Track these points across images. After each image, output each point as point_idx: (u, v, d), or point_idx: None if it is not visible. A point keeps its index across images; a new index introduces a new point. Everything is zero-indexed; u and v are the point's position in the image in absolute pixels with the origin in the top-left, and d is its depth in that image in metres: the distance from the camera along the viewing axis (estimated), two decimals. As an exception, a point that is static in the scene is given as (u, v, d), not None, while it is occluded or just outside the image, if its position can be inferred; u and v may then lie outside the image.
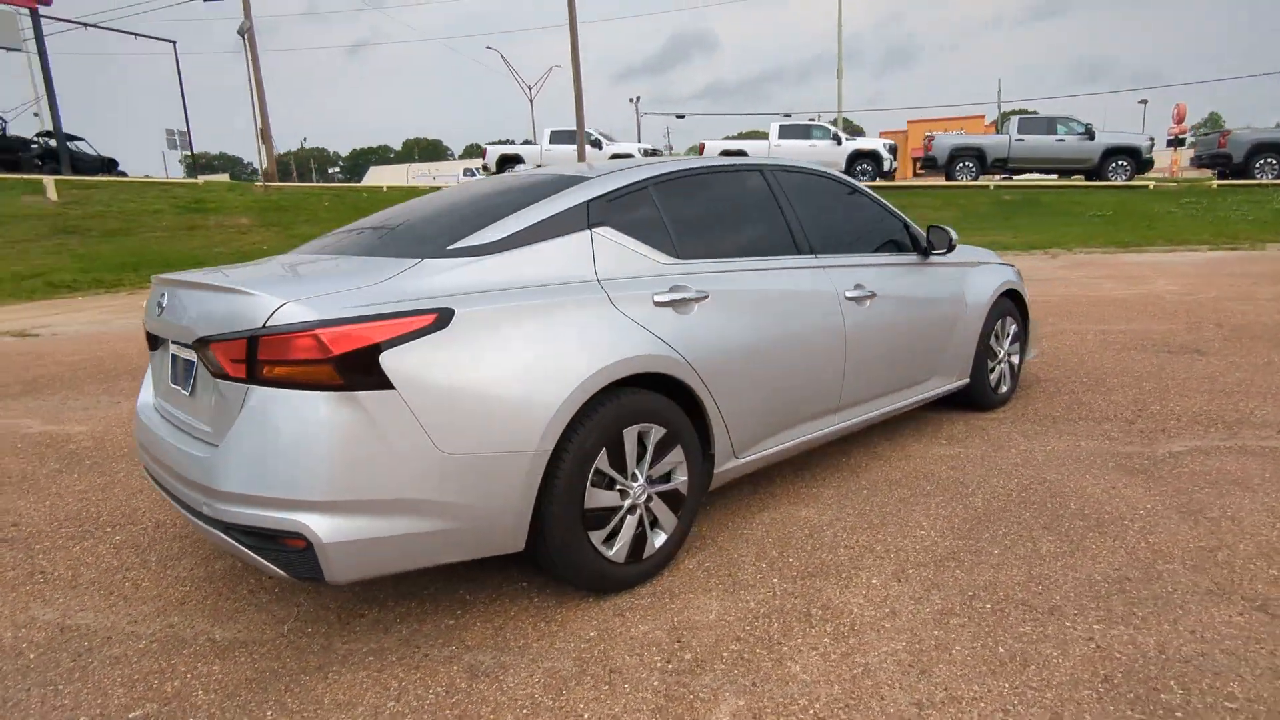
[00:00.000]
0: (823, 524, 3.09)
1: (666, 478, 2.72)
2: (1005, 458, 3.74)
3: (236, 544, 2.17)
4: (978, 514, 3.12)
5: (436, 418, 2.16)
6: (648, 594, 2.62)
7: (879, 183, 21.93)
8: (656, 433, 2.63)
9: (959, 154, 21.40)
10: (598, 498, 2.49)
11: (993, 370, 4.51)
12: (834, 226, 3.64)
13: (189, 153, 27.01)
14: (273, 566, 2.15)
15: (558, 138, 23.49)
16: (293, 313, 2.08)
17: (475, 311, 2.28)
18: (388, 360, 2.11)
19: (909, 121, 33.42)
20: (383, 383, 2.10)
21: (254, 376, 2.12)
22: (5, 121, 23.81)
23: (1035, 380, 5.16)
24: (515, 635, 2.40)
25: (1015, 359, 4.71)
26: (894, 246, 3.93)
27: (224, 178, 59.49)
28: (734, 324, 2.91)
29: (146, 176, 27.77)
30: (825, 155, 21.59)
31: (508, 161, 24.20)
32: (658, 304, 2.68)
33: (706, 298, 2.83)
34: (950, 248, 4.00)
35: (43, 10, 23.30)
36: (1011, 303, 4.60)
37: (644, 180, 2.93)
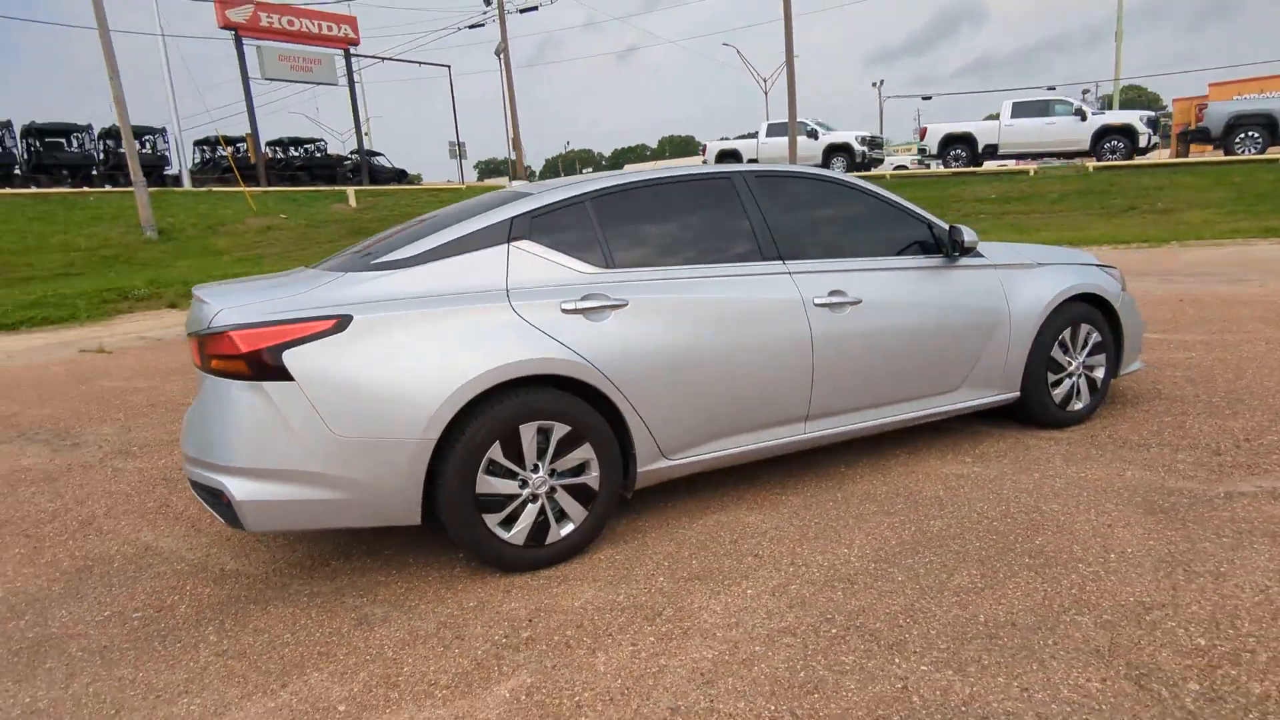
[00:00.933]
0: (758, 531, 3.09)
1: (577, 472, 2.92)
2: (1017, 482, 3.39)
3: (196, 495, 2.77)
4: (921, 539, 2.92)
5: (332, 406, 2.59)
6: (546, 575, 2.86)
7: (1130, 161, 18.90)
8: (560, 430, 2.85)
9: (1240, 122, 17.87)
10: (492, 485, 2.77)
11: (1058, 384, 4.03)
12: (820, 232, 3.53)
13: (463, 159, 30.88)
14: (219, 516, 2.73)
15: (774, 130, 23.26)
16: (223, 318, 2.61)
17: (372, 318, 2.67)
18: (289, 357, 2.57)
19: (1211, 85, 28.32)
20: (284, 375, 2.56)
21: (205, 367, 2.70)
22: (325, 142, 28.91)
23: (1152, 395, 4.48)
24: (417, 597, 2.77)
25: (1098, 372, 4.15)
26: (915, 249, 3.70)
27: (504, 180, 66.31)
28: (657, 330, 3.01)
29: (448, 182, 32.15)
30: (1064, 134, 19.39)
31: (725, 157, 24.47)
32: (565, 311, 2.89)
33: (624, 305, 2.97)
34: (961, 250, 3.69)
35: (353, 50, 27.95)
36: (1092, 308, 4.05)
37: (581, 195, 3.13)
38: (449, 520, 2.75)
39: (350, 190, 22.37)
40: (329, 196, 22.76)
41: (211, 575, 3.07)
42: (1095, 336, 4.09)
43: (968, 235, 3.65)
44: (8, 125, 23.70)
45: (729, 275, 3.23)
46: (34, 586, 3.05)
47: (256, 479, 2.59)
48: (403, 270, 2.83)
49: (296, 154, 29.54)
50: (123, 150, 24.31)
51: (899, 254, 3.67)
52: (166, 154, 27.13)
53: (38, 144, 24.53)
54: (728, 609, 2.53)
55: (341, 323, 2.64)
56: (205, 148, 29.23)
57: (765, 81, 37.75)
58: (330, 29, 27.70)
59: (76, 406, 6.06)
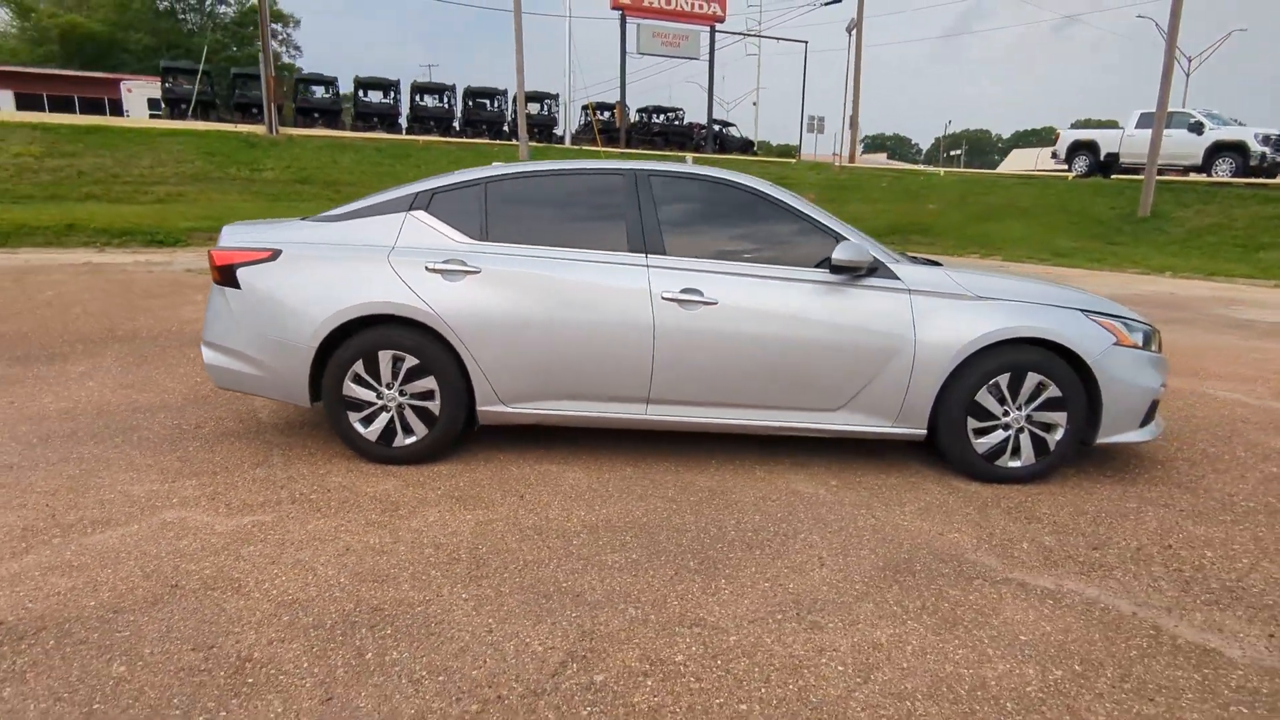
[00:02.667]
0: (551, 480, 3.57)
1: (424, 397, 3.71)
2: (838, 512, 3.33)
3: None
4: (639, 523, 3.17)
5: (261, 310, 3.72)
6: (396, 471, 3.71)
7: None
8: (410, 360, 3.65)
9: None
10: (355, 391, 3.70)
11: (985, 433, 3.64)
12: (698, 233, 3.72)
13: (819, 133, 31.15)
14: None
15: (1145, 121, 19.29)
16: (220, 243, 3.88)
17: (293, 254, 3.72)
18: (241, 274, 3.74)
19: None
20: (237, 284, 3.75)
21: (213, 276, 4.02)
22: (683, 111, 31.47)
23: (1162, 468, 3.72)
24: (331, 477, 3.79)
25: (1056, 433, 3.62)
26: (809, 262, 3.68)
27: (881, 157, 64.17)
28: (500, 296, 3.61)
29: (795, 157, 33.05)
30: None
31: (1079, 149, 21.09)
32: (428, 269, 3.64)
33: (478, 272, 3.63)
34: (850, 271, 3.54)
35: (717, 27, 29.96)
36: (1052, 357, 3.54)
37: (481, 179, 3.81)
38: (326, 410, 3.75)
39: (689, 156, 24.18)
40: (670, 160, 24.92)
41: (249, 422, 4.47)
42: (1052, 391, 3.59)
43: (839, 253, 3.52)
44: (451, 88, 30.34)
45: (585, 260, 3.66)
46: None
47: (217, 351, 3.84)
48: (331, 224, 3.84)
49: (657, 120, 32.54)
50: (529, 111, 29.22)
51: (787, 264, 3.68)
52: (555, 116, 32.07)
53: (470, 103, 30.81)
54: (398, 532, 3.16)
55: (274, 255, 3.74)
56: (586, 112, 33.80)
57: (1189, 62, 31.03)
58: (700, 6, 30.23)
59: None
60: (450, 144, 24.22)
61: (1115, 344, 3.62)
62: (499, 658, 2.24)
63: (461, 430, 3.79)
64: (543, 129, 30.76)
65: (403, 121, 30.28)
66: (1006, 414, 3.63)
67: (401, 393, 3.71)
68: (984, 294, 3.63)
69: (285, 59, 53.16)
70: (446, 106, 30.23)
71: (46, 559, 2.74)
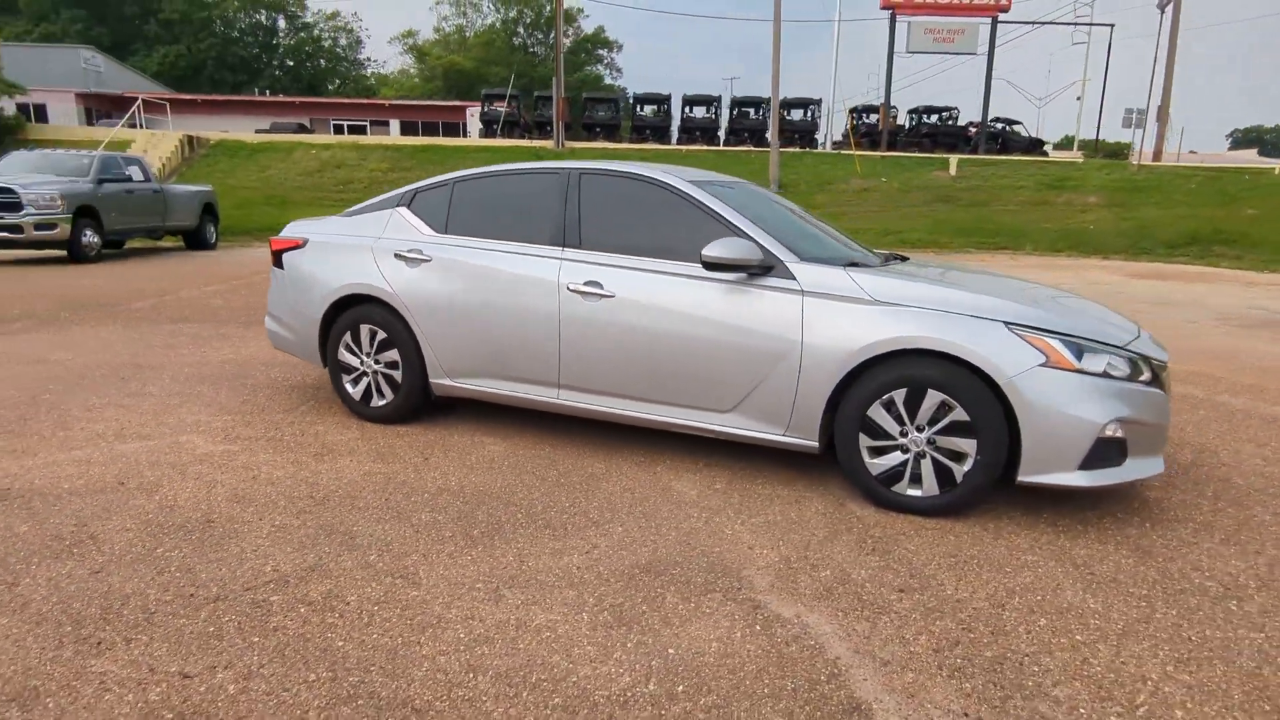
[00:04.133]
0: (466, 449, 3.89)
1: (392, 366, 4.26)
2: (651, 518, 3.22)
3: (280, 328, 5.10)
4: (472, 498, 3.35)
5: (292, 287, 4.55)
6: (370, 429, 4.33)
7: None
8: (380, 334, 4.23)
9: None
10: (345, 357, 4.37)
11: (881, 454, 3.22)
12: (614, 229, 3.74)
13: (1140, 128, 26.40)
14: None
15: None
16: (281, 234, 4.79)
17: (315, 242, 4.49)
18: (286, 257, 4.61)
19: None
20: (281, 266, 4.63)
21: (278, 258, 4.94)
22: (957, 110, 28.70)
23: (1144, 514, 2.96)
24: (316, 426, 4.58)
25: (965, 464, 3.08)
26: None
27: (1250, 153, 52.42)
28: (444, 282, 4.02)
29: (1078, 155, 28.65)
30: None
31: None
32: (395, 257, 4.17)
33: (430, 260, 4.07)
34: (725, 269, 3.34)
35: (1001, 17, 26.71)
36: (962, 375, 3.03)
37: (452, 180, 4.24)
38: (329, 371, 4.48)
39: (954, 159, 22.34)
40: (935, 164, 23.12)
41: (312, 381, 5.41)
42: (957, 413, 3.08)
43: (708, 250, 3.32)
44: (718, 99, 31.31)
45: (513, 253, 3.92)
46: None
47: (271, 319, 4.77)
48: (347, 218, 4.55)
49: (928, 121, 30.01)
50: (791, 117, 28.95)
51: (689, 261, 3.57)
52: (818, 122, 31.21)
53: (734, 113, 31.40)
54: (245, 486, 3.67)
55: (303, 243, 4.54)
56: (851, 115, 32.35)
57: None
58: (982, -1, 27.20)
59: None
60: (711, 152, 25.03)
61: (1043, 365, 3.00)
62: (235, 566, 2.67)
63: (420, 399, 4.27)
64: (803, 135, 30.34)
65: (675, 132, 31.86)
66: (904, 434, 3.20)
67: (376, 361, 4.30)
68: (886, 298, 3.23)
69: (607, 80, 58.45)
70: (713, 117, 31.15)
71: (84, 455, 3.74)
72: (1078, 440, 2.99)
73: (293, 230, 4.68)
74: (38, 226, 12.51)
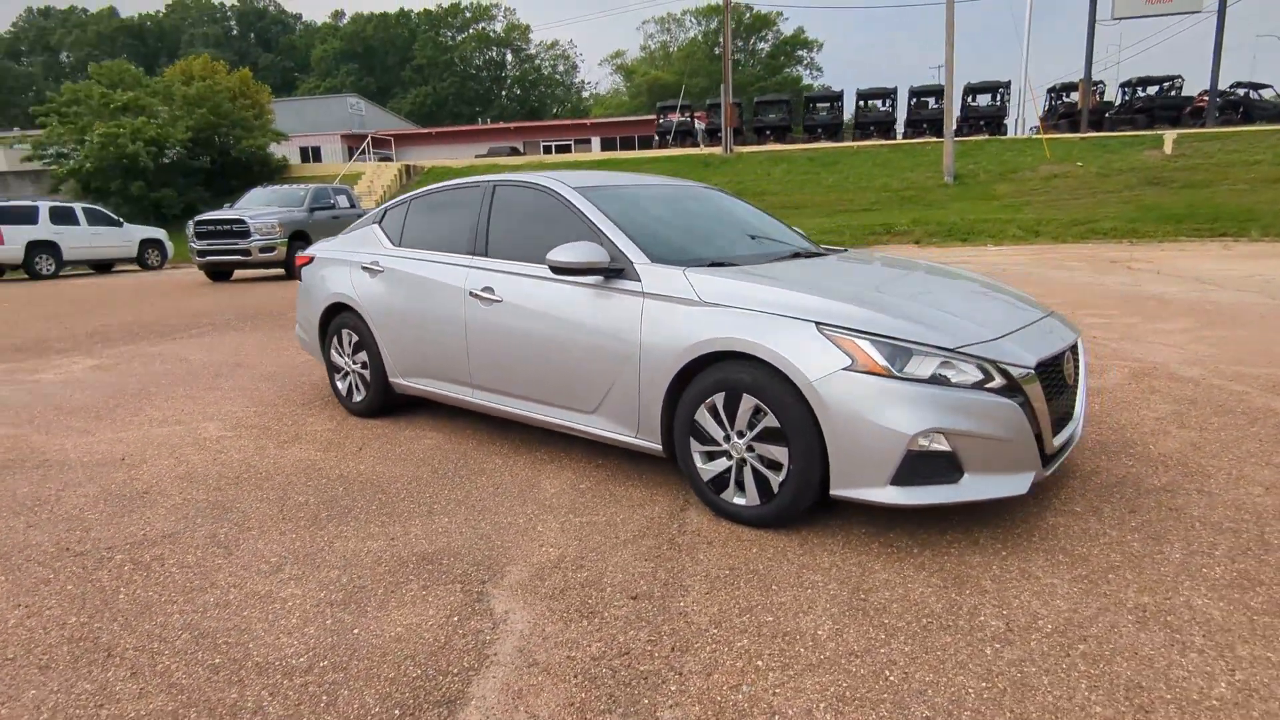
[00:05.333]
0: (405, 441, 4.22)
1: (365, 366, 4.72)
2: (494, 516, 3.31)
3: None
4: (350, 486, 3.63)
5: (303, 297, 5.20)
6: (340, 419, 4.83)
7: None
8: (354, 337, 4.72)
9: None
10: (334, 358, 4.92)
11: (711, 459, 3.06)
12: (513, 236, 3.86)
13: None
14: (318, 341, 5.71)
15: None
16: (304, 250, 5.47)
17: (319, 258, 5.08)
18: (303, 271, 5.27)
19: None
20: (299, 279, 5.30)
21: (317, 270, 5.63)
22: (1181, 79, 24.30)
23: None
24: (309, 417, 5.18)
25: (780, 475, 2.85)
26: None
27: None
28: (390, 290, 4.39)
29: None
30: None
31: None
32: (362, 269, 4.62)
33: (383, 271, 4.47)
34: (572, 272, 3.33)
35: None
36: (772, 380, 2.81)
37: (410, 198, 4.60)
38: (326, 369, 5.06)
39: (1170, 135, 19.27)
40: (1146, 142, 20.03)
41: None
42: (769, 419, 2.87)
43: (551, 255, 3.32)
44: (893, 91, 29.10)
45: (438, 262, 4.19)
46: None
47: (298, 325, 5.46)
48: (342, 236, 5.09)
49: (1144, 95, 25.52)
50: (975, 103, 26.49)
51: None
52: (1007, 106, 27.90)
53: (913, 103, 29.22)
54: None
55: (312, 259, 5.16)
56: (1051, 95, 28.53)
57: None
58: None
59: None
60: (883, 147, 23.68)
61: (847, 368, 2.72)
62: (121, 529, 3.20)
63: (385, 396, 4.69)
64: (990, 121, 27.41)
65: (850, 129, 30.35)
66: (727, 440, 3.04)
67: (354, 361, 4.79)
68: (712, 299, 3.08)
69: (806, 80, 57.19)
70: (889, 110, 29.18)
71: (122, 436, 4.58)
72: (886, 452, 2.68)
73: (311, 248, 5.33)
74: (261, 250, 14.92)
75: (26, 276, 18.27)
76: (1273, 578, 2.53)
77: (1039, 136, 21.78)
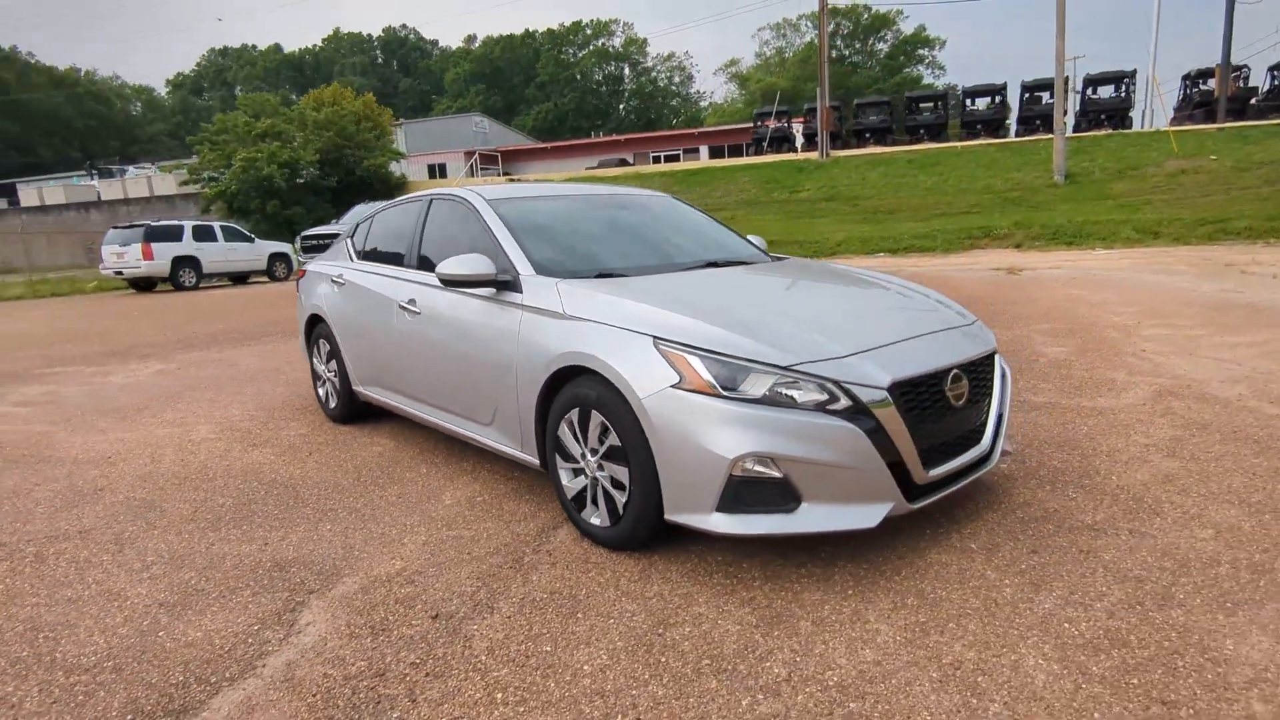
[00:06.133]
0: (357, 446, 4.33)
1: (336, 374, 4.89)
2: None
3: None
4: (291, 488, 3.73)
5: (302, 302, 5.45)
6: (316, 424, 5.02)
7: None
8: (327, 346, 4.90)
9: None
10: (316, 366, 5.13)
11: (575, 476, 2.94)
12: (438, 248, 3.87)
13: None
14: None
15: None
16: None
17: (308, 271, 5.32)
18: (301, 281, 5.53)
19: None
20: (299, 286, 5.57)
21: (322, 282, 5.90)
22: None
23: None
24: (291, 425, 5.41)
25: (624, 495, 2.69)
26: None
27: None
28: (347, 301, 4.53)
29: None
30: None
31: None
32: (330, 281, 4.79)
33: (344, 284, 4.61)
34: (458, 285, 3.29)
35: None
36: (614, 396, 2.67)
37: (373, 211, 4.73)
38: (311, 376, 5.28)
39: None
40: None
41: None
42: (613, 437, 2.72)
43: (440, 268, 3.28)
44: (1003, 87, 27.12)
45: (379, 274, 4.28)
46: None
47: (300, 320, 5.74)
48: (328, 250, 5.30)
49: None
50: (1096, 96, 24.29)
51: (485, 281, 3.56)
52: (1132, 97, 25.13)
53: (1026, 98, 27.12)
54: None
55: (306, 274, 5.41)
56: (1186, 83, 25.47)
57: None
58: None
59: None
60: (990, 146, 22.16)
61: (675, 385, 2.54)
62: (55, 522, 3.45)
63: (351, 403, 4.82)
64: (1113, 115, 24.84)
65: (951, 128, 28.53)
66: (584, 456, 2.91)
67: (329, 369, 4.98)
68: (574, 312, 2.96)
69: (927, 79, 54.59)
70: (998, 107, 27.11)
71: (126, 436, 4.97)
72: (709, 476, 2.48)
73: (311, 265, 5.60)
74: (357, 262, 15.79)
75: (172, 288, 20.25)
76: (1144, 639, 2.14)
77: (1167, 129, 19.72)
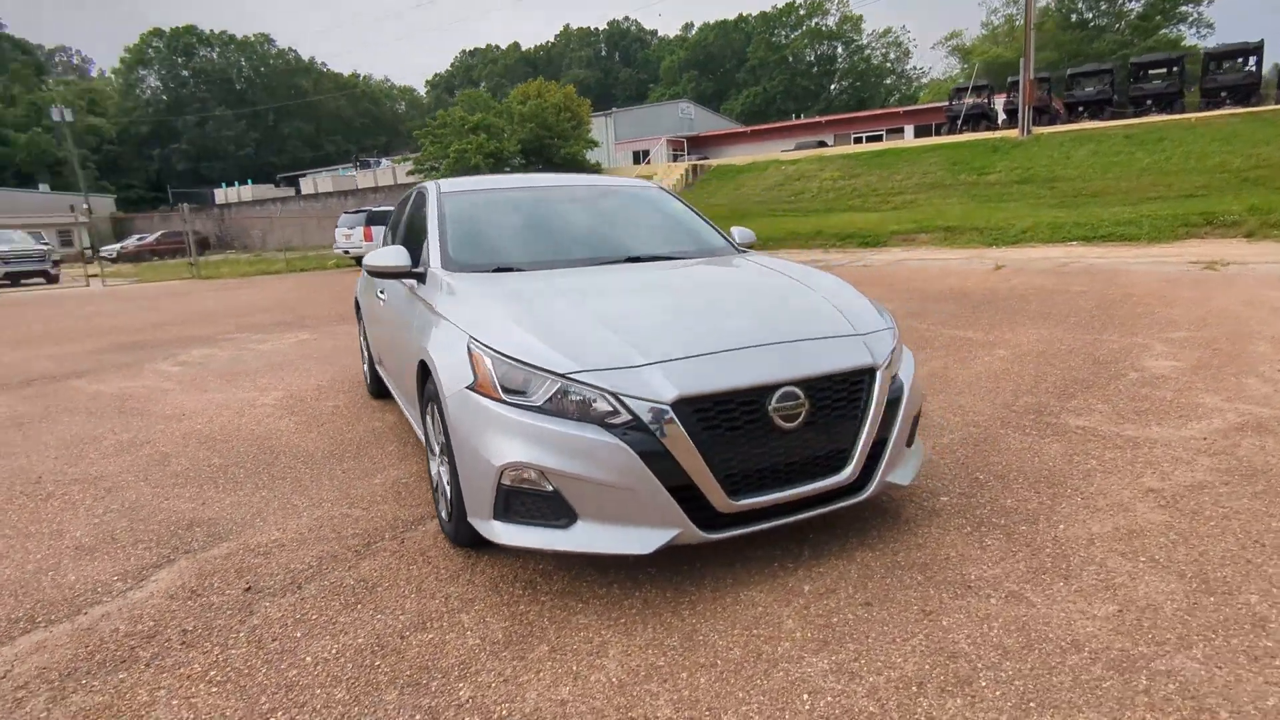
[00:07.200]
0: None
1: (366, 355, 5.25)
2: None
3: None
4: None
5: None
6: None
7: None
8: (360, 328, 5.28)
9: None
10: (361, 346, 5.54)
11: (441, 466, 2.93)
12: (411, 238, 3.97)
13: None
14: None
15: None
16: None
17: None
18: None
19: None
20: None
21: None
22: None
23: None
24: (331, 402, 5.84)
25: (453, 488, 2.63)
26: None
27: None
28: (364, 288, 4.86)
29: None
30: None
31: None
32: (366, 273, 5.13)
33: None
34: (383, 275, 3.32)
35: None
36: (436, 393, 2.63)
37: (400, 201, 4.98)
38: (361, 356, 5.73)
39: None
40: None
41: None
42: (441, 440, 2.68)
43: (365, 259, 3.34)
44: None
45: (379, 263, 4.51)
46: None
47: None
48: (379, 237, 5.66)
49: None
50: None
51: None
52: None
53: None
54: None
55: (364, 257, 5.84)
56: None
57: None
58: None
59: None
60: (1233, 117, 18.36)
61: (469, 386, 2.45)
62: (71, 467, 4.07)
63: (377, 381, 5.15)
64: None
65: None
66: (433, 450, 2.90)
67: (366, 350, 5.36)
68: (442, 309, 2.93)
69: (1190, 40, 46.41)
70: (1250, 71, 21.93)
71: (199, 399, 5.72)
72: (486, 483, 2.38)
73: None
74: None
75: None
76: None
77: None
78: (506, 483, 2.32)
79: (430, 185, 3.99)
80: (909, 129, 41.51)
